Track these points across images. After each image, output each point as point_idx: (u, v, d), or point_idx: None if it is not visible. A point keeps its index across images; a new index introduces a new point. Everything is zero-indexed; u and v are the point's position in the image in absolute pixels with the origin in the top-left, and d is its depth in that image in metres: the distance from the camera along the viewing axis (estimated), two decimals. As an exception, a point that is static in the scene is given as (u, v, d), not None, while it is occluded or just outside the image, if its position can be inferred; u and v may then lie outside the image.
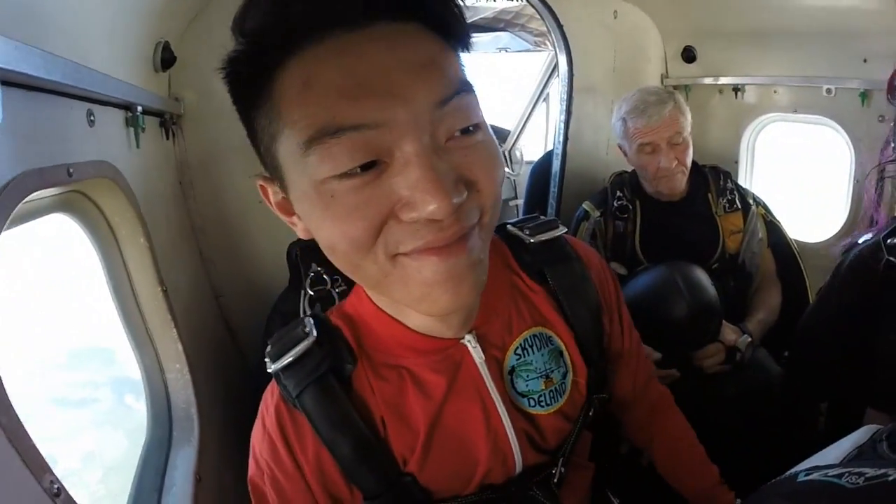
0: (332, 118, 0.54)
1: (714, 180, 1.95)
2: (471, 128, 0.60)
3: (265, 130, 0.60)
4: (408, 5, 0.57)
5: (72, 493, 0.75)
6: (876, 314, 1.25)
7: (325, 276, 1.23)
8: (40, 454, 0.69)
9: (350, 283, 1.25)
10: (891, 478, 0.59)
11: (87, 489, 1.13)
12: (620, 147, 1.96)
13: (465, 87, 0.60)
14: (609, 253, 1.96)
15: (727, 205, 1.92)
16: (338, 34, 0.54)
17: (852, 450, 0.76)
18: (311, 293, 1.24)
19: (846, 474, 0.63)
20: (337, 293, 1.20)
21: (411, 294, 0.63)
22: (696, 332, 1.71)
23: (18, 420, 0.66)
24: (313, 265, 1.27)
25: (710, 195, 1.93)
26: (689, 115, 1.84)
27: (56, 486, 0.70)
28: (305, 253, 1.30)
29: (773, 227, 1.98)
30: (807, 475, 0.68)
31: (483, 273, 0.65)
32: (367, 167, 0.56)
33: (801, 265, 2.00)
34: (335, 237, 0.60)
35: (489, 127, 0.64)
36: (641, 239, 1.94)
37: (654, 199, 1.94)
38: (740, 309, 1.89)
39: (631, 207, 1.96)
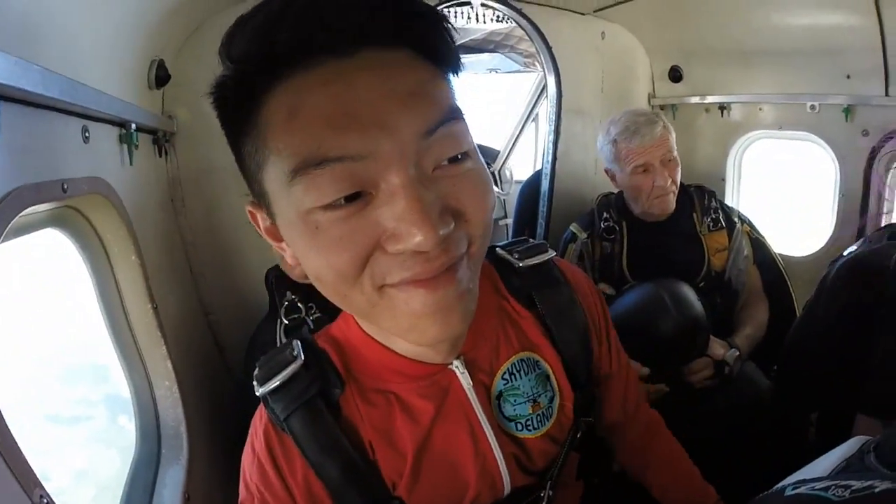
0: (316, 148, 0.53)
1: (699, 199, 1.98)
2: (459, 156, 0.59)
3: (252, 157, 0.59)
4: (398, 32, 0.56)
5: (62, 510, 0.74)
6: (868, 321, 1.27)
7: (299, 304, 1.23)
8: (31, 468, 0.68)
9: (325, 311, 1.26)
10: (877, 489, 0.59)
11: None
12: (608, 171, 1.97)
13: (454, 115, 0.59)
14: (597, 274, 1.98)
15: (711, 223, 1.95)
16: (325, 61, 0.54)
17: (840, 462, 0.76)
18: (287, 322, 1.24)
19: (833, 487, 0.63)
20: (312, 321, 1.19)
21: (399, 325, 0.62)
22: (684, 347, 1.72)
23: (10, 433, 0.66)
24: (288, 293, 1.27)
25: (694, 214, 1.95)
26: (673, 134, 1.87)
27: (45, 500, 0.69)
28: (280, 281, 1.31)
29: (758, 244, 2.01)
30: (794, 489, 0.68)
31: (472, 302, 0.64)
32: (352, 198, 0.55)
33: (788, 280, 2.03)
34: (321, 268, 0.60)
35: (479, 154, 0.63)
36: (629, 259, 1.96)
37: (641, 219, 1.96)
38: (727, 325, 1.91)
39: (618, 228, 1.98)
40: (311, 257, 0.60)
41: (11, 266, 1.08)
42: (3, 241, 0.71)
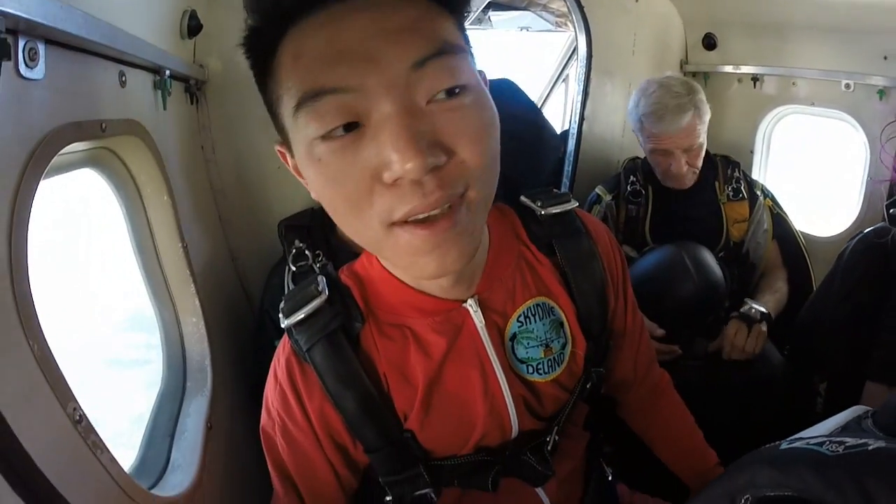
0: (313, 83, 0.58)
1: (723, 169, 1.97)
2: (457, 90, 0.61)
3: (273, 96, 0.65)
4: None
5: (116, 452, 0.80)
6: (881, 293, 1.28)
7: (306, 252, 1.27)
8: (66, 383, 0.73)
9: (331, 258, 1.32)
10: (870, 447, 0.61)
11: (136, 451, 1.14)
12: (635, 133, 1.97)
13: (451, 49, 0.61)
14: (620, 236, 1.99)
15: (731, 193, 1.95)
16: (325, 6, 0.59)
17: (837, 427, 0.79)
18: (294, 269, 1.28)
19: (827, 443, 0.65)
20: (318, 268, 1.23)
21: (401, 261, 0.68)
22: (702, 310, 1.74)
23: (49, 349, 0.70)
24: (296, 241, 1.32)
25: (717, 183, 1.95)
26: (707, 115, 1.84)
27: (78, 413, 0.74)
28: (290, 230, 1.37)
29: (779, 220, 1.99)
30: (789, 444, 0.70)
31: (472, 243, 0.67)
32: (348, 129, 0.59)
33: (807, 258, 2.01)
34: (332, 200, 0.65)
35: (486, 94, 0.65)
36: (651, 223, 1.97)
37: (665, 186, 1.96)
38: (742, 297, 1.90)
39: (643, 192, 1.99)
40: (321, 190, 0.66)
41: (78, 217, 1.13)
42: (45, 177, 0.75)
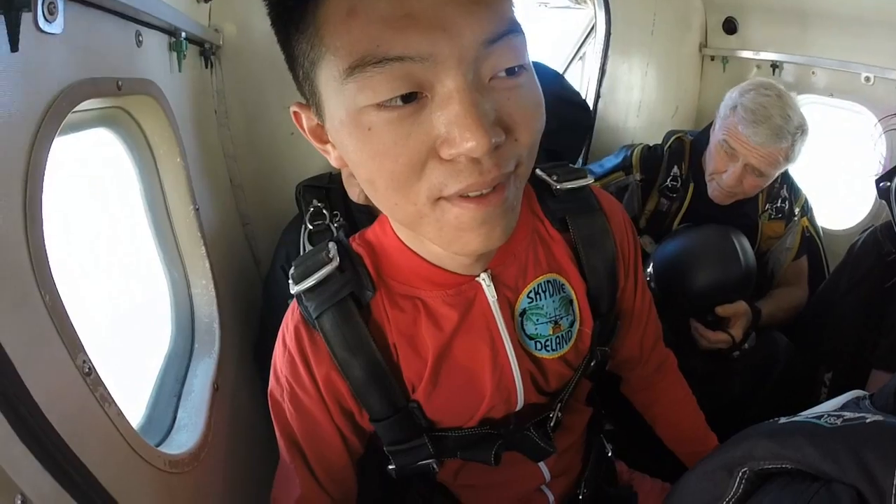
0: (375, 47, 0.53)
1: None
2: (516, 69, 0.59)
3: (306, 55, 0.60)
4: None
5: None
6: (890, 284, 1.29)
7: (324, 212, 1.27)
8: (76, 334, 0.73)
9: (349, 219, 1.31)
10: (867, 420, 0.62)
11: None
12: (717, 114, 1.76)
13: (515, 28, 0.58)
14: (643, 224, 1.89)
15: (773, 212, 1.84)
16: None
17: (835, 407, 0.80)
18: (311, 227, 1.29)
19: (825, 416, 0.66)
20: (335, 227, 1.24)
21: (444, 236, 0.64)
22: (741, 293, 1.69)
23: (60, 299, 0.71)
24: (314, 201, 1.32)
25: (761, 195, 1.82)
26: (793, 163, 1.66)
27: (88, 365, 0.75)
28: (308, 190, 1.37)
29: (808, 242, 1.89)
30: (788, 419, 0.72)
31: (514, 219, 0.66)
32: (407, 99, 0.55)
33: (826, 270, 1.96)
34: (375, 173, 0.60)
35: (535, 74, 0.63)
36: (682, 222, 1.87)
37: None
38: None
39: (683, 190, 1.85)
40: (363, 161, 0.60)
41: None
42: (60, 134, 0.75)
